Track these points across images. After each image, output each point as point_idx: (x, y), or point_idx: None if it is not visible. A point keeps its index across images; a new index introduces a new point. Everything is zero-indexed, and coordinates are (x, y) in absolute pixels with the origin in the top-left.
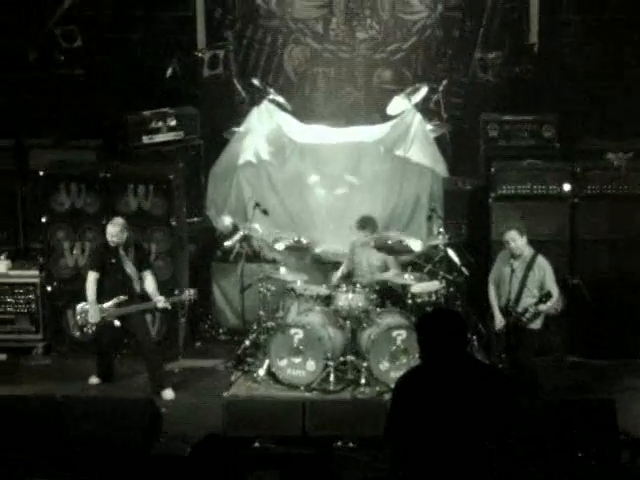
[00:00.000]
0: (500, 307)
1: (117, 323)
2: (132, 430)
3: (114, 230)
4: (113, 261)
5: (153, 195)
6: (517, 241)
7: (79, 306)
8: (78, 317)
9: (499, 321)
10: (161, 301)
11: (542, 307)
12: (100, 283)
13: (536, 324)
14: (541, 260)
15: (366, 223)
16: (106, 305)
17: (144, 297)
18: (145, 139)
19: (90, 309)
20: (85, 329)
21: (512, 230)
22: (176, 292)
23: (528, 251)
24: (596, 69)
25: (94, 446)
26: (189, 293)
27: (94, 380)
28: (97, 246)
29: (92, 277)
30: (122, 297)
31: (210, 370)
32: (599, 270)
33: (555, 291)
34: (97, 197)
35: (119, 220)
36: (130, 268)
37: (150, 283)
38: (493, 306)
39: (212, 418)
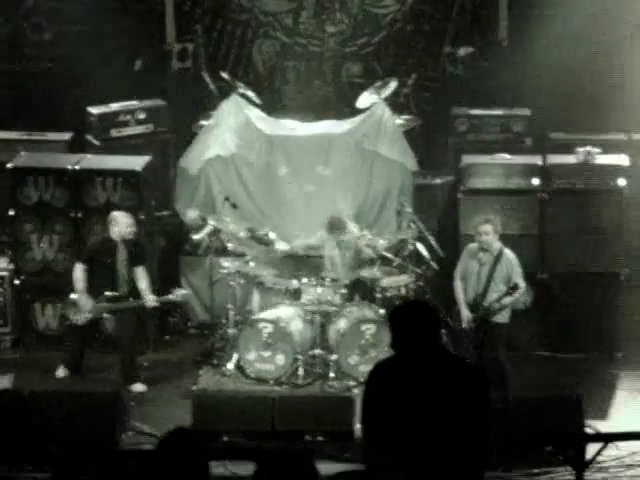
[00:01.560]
0: (467, 302)
1: (106, 316)
2: (99, 424)
3: (129, 220)
4: (108, 259)
5: (121, 188)
6: (489, 235)
7: (71, 297)
8: (69, 310)
9: (466, 317)
10: (151, 300)
11: (507, 300)
12: (90, 277)
13: (504, 318)
14: (508, 254)
15: (334, 226)
16: (98, 299)
17: (134, 294)
18: (114, 132)
19: (80, 300)
20: (76, 319)
21: (488, 224)
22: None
23: (496, 245)
24: (565, 63)
25: (61, 439)
26: (180, 293)
27: (61, 372)
28: (94, 240)
29: (79, 269)
30: (115, 293)
31: (179, 364)
32: (568, 264)
33: (522, 284)
34: (65, 190)
35: (123, 212)
36: (122, 264)
37: (143, 280)
38: (460, 301)
39: (180, 412)
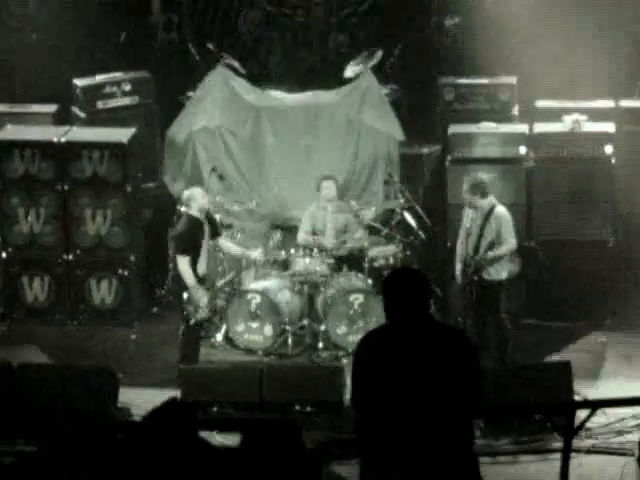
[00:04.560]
0: (463, 258)
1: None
2: (88, 396)
3: (202, 191)
4: (201, 239)
5: (108, 161)
6: (467, 195)
7: (185, 296)
8: (188, 310)
9: (459, 273)
10: (257, 252)
11: (491, 253)
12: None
13: (496, 275)
14: (499, 210)
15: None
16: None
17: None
18: (99, 104)
19: (197, 294)
20: (199, 317)
21: (465, 184)
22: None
23: (484, 203)
24: (553, 31)
25: (50, 413)
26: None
27: None
28: (185, 226)
29: (185, 262)
30: (205, 272)
31: (166, 336)
32: (555, 233)
33: (511, 241)
34: (51, 163)
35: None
36: (206, 241)
37: (232, 246)
38: (457, 255)
39: (169, 384)
